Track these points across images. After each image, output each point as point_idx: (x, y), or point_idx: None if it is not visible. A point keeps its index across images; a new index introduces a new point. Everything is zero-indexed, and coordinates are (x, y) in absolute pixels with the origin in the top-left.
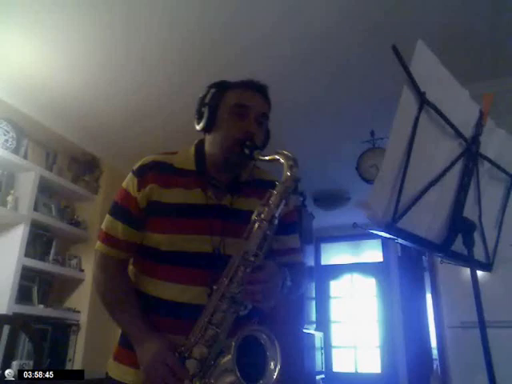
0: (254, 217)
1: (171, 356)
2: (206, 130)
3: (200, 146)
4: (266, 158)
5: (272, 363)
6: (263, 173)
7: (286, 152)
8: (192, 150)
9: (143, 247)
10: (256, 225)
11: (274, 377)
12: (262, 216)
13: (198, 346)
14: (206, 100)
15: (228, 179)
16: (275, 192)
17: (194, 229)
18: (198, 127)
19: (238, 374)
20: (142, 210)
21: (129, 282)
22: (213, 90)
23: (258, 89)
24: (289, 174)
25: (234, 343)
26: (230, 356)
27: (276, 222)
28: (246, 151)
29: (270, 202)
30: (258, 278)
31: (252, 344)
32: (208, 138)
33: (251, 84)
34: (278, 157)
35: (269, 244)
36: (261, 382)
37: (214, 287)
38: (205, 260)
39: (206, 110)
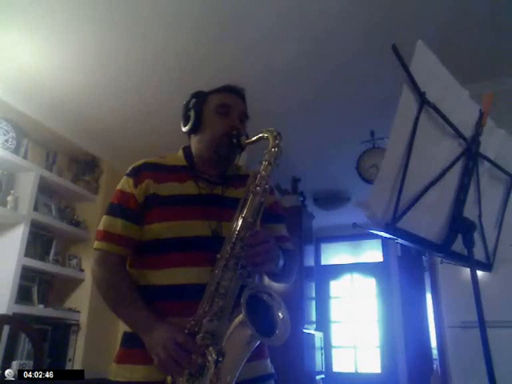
0: (247, 185)
1: (180, 334)
2: (192, 131)
3: (187, 148)
4: (253, 139)
5: (279, 313)
6: (247, 170)
7: (269, 128)
8: (180, 152)
9: (142, 244)
10: (251, 192)
11: (287, 323)
12: (256, 182)
13: (206, 318)
14: (191, 105)
15: (216, 174)
16: (264, 161)
17: (191, 215)
18: (184, 129)
19: (253, 328)
20: (140, 204)
21: (130, 277)
22: (195, 97)
23: (237, 92)
24: (274, 143)
25: (242, 301)
26: (241, 315)
27: (268, 188)
28: (234, 141)
29: (261, 170)
30: (256, 240)
31: (255, 304)
32: (194, 139)
33: (231, 88)
34: (262, 134)
35: (263, 212)
36: (277, 332)
37: (218, 256)
38: (205, 243)
39: (191, 113)
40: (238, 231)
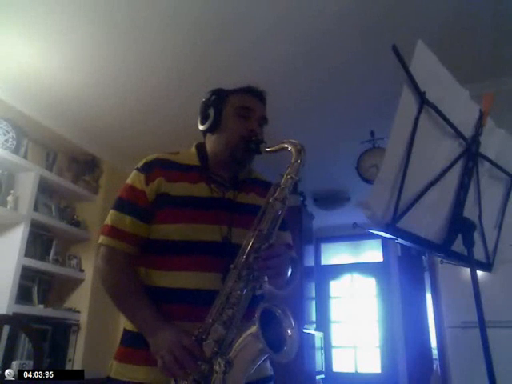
0: (267, 197)
1: (187, 338)
2: (210, 129)
3: (200, 146)
4: (273, 148)
5: (289, 330)
6: (259, 174)
7: (291, 140)
8: (193, 149)
9: (150, 242)
10: (270, 205)
11: (296, 341)
12: (276, 195)
13: (215, 326)
14: (211, 103)
15: (228, 177)
16: (287, 174)
17: (202, 219)
18: (202, 127)
19: (265, 343)
20: (150, 203)
21: (137, 275)
22: (216, 94)
23: (259, 95)
24: (297, 157)
25: (257, 315)
26: (254, 327)
27: (287, 202)
28: (253, 146)
29: (282, 183)
30: (271, 254)
31: (268, 318)
32: (211, 138)
33: (253, 90)
34: (285, 145)
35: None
36: (285, 348)
37: (231, 266)
38: (215, 248)
39: (211, 112)
40: (253, 242)
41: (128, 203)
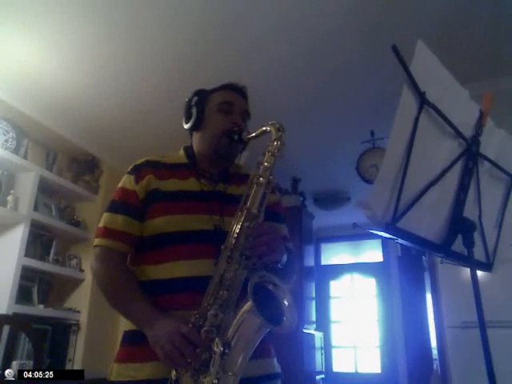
0: (251, 177)
1: (185, 326)
2: (194, 127)
3: (188, 148)
4: (255, 133)
5: (285, 301)
6: (248, 170)
7: (270, 122)
8: (181, 151)
9: (143, 241)
10: (254, 183)
11: (293, 310)
12: (260, 173)
13: (211, 311)
14: (193, 102)
15: (217, 172)
16: (267, 152)
17: (194, 210)
18: (186, 126)
19: (261, 317)
20: (141, 200)
21: (131, 272)
22: (198, 94)
23: (239, 90)
24: (277, 136)
25: (249, 290)
26: (248, 303)
27: (272, 179)
28: (235, 137)
29: (264, 161)
30: (260, 231)
31: (261, 293)
32: (196, 136)
33: (233, 86)
34: (263, 128)
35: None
36: (284, 319)
37: (222, 247)
38: (208, 236)
39: (194, 110)
40: (242, 222)
41: (119, 203)
